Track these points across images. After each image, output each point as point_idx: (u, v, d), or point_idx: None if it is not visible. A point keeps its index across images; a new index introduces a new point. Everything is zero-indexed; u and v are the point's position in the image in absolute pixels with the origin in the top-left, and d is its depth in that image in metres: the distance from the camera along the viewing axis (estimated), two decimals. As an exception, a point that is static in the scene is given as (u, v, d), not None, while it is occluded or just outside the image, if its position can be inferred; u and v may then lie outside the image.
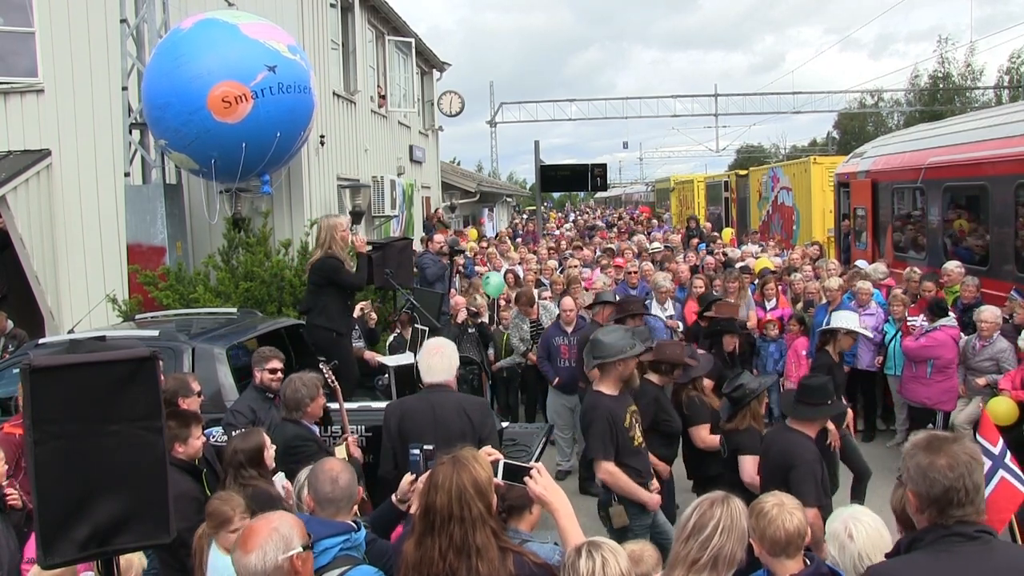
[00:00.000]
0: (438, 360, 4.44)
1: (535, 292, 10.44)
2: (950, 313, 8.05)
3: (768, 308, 9.70)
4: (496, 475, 2.97)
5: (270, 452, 4.32)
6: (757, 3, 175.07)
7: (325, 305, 7.01)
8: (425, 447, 3.57)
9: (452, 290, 10.65)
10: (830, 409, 4.89)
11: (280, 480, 4.43)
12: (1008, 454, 4.48)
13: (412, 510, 3.54)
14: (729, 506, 2.92)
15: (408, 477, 3.59)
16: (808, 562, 3.09)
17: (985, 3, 78.73)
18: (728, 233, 19.05)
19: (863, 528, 3.11)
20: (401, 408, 4.48)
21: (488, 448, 3.20)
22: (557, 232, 23.46)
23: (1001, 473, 4.34)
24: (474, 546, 2.75)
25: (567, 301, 8.45)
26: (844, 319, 6.76)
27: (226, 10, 9.63)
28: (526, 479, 3.01)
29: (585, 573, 2.61)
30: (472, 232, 21.91)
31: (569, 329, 8.36)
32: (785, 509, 3.09)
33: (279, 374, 5.54)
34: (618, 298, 8.09)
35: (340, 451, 5.09)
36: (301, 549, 2.48)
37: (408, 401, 4.67)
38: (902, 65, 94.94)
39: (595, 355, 4.93)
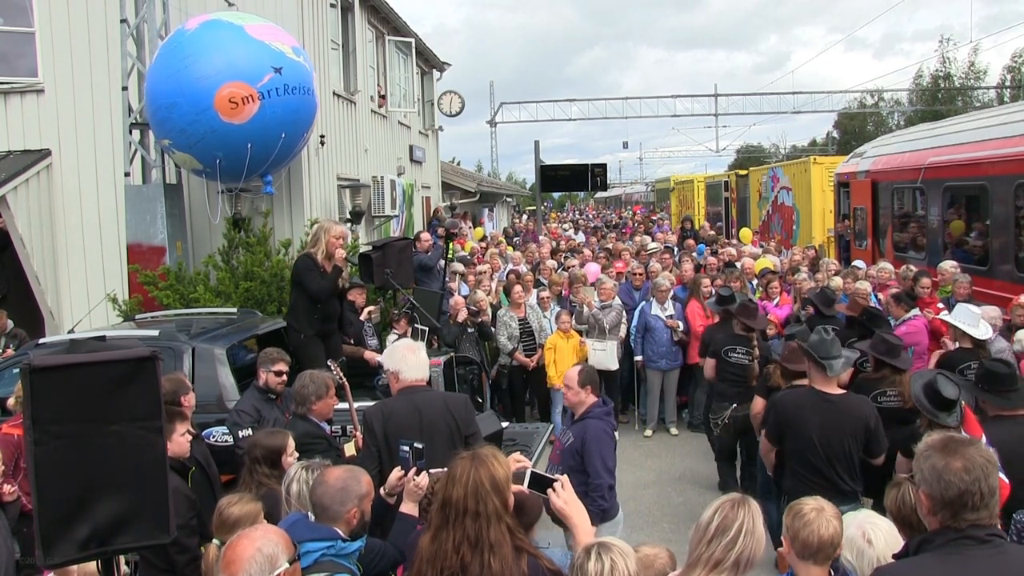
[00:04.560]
0: (413, 358, 4.38)
1: (534, 292, 10.46)
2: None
3: (773, 306, 9.69)
4: (523, 483, 3.02)
5: (290, 459, 4.24)
6: (764, 1, 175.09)
7: (295, 304, 6.91)
8: (415, 445, 3.61)
9: (450, 283, 10.66)
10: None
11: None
12: (992, 447, 4.54)
13: (404, 508, 3.56)
14: (749, 508, 2.92)
15: (397, 472, 3.63)
16: (833, 572, 3.06)
17: (992, 2, 78.61)
18: (748, 233, 18.59)
19: (881, 533, 3.08)
20: (385, 412, 4.32)
21: (517, 455, 3.25)
22: (554, 227, 23.56)
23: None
24: (487, 541, 2.77)
25: (570, 375, 5.09)
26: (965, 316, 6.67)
27: (231, 12, 9.66)
28: (549, 491, 3.06)
29: (593, 574, 2.62)
30: (478, 231, 21.88)
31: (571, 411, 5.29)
32: (824, 515, 3.04)
33: (284, 377, 5.54)
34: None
35: (349, 448, 5.10)
36: (287, 565, 2.43)
37: (391, 403, 4.47)
38: (907, 64, 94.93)
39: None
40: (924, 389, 4.91)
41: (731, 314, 7.39)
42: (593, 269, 11.82)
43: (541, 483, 3.07)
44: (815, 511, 3.05)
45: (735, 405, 7.03)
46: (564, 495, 3.04)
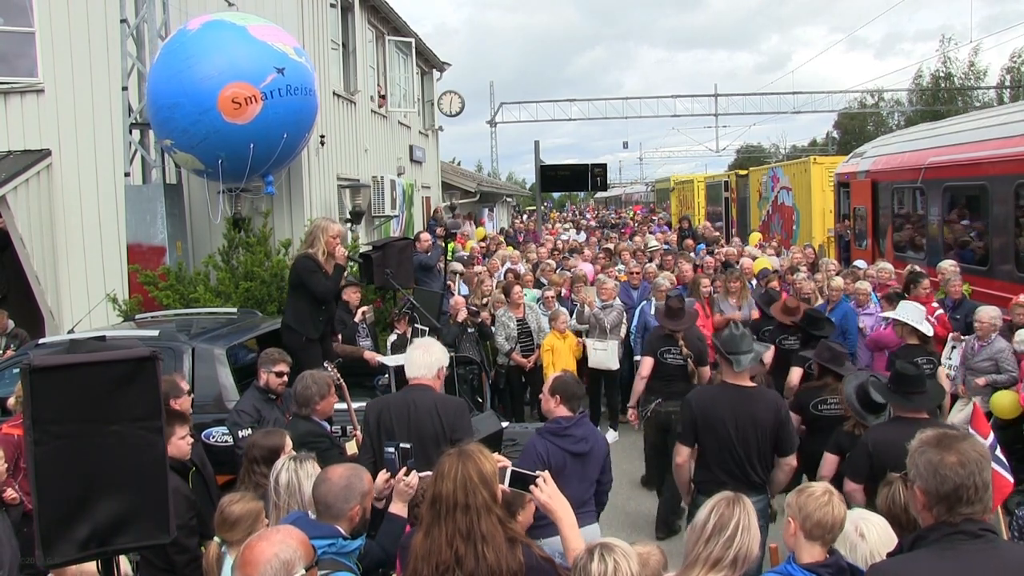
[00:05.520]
0: (419, 355, 4.51)
1: (534, 291, 10.45)
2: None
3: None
4: (503, 482, 3.02)
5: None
6: (765, 1, 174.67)
7: (296, 306, 6.76)
8: (402, 445, 3.61)
9: (450, 283, 10.68)
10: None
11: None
12: (998, 446, 4.58)
13: (393, 509, 3.56)
14: (745, 506, 2.96)
15: (383, 475, 3.62)
16: (828, 555, 3.10)
17: (993, 2, 78.55)
18: (756, 237, 18.39)
19: (873, 528, 3.11)
20: (380, 405, 4.54)
21: (497, 456, 3.24)
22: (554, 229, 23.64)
23: (992, 464, 4.41)
24: (479, 533, 2.79)
25: (549, 380, 4.89)
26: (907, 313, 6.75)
27: (234, 12, 9.67)
28: (532, 487, 3.07)
29: (597, 575, 2.62)
30: (479, 231, 21.89)
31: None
32: (835, 497, 3.09)
33: (285, 378, 5.53)
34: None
35: (351, 446, 5.12)
36: (304, 571, 2.41)
37: (389, 398, 4.75)
38: (908, 64, 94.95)
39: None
40: (856, 391, 5.02)
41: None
42: (587, 269, 11.80)
43: (523, 481, 3.08)
44: (827, 493, 3.09)
45: (659, 400, 7.07)
46: (548, 489, 3.06)
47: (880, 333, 7.93)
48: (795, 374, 6.99)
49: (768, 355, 7.66)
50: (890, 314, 7.02)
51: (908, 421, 4.48)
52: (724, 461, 4.83)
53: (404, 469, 3.56)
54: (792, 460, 4.92)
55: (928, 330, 6.64)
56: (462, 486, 2.83)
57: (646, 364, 7.31)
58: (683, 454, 5.03)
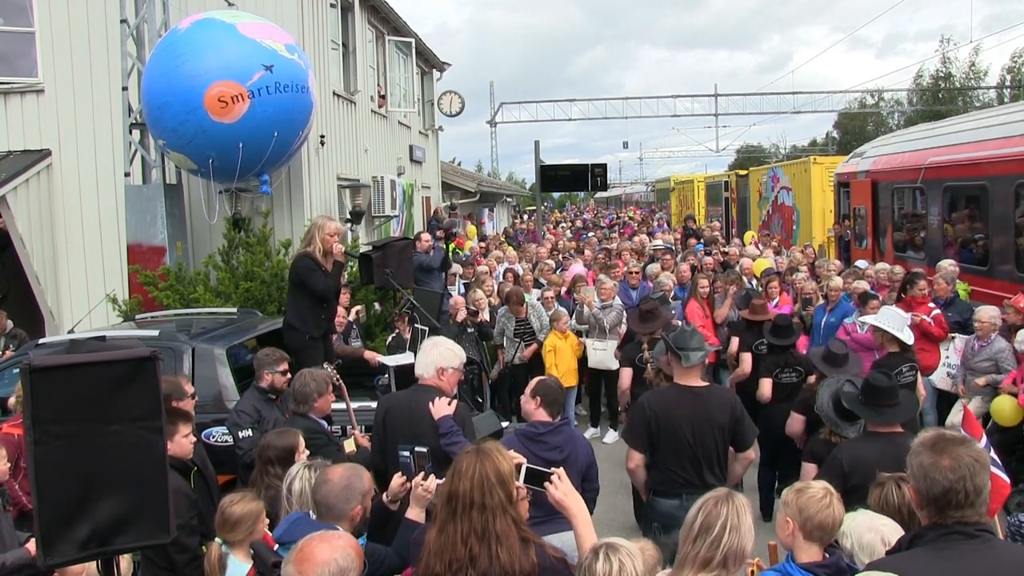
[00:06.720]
0: (421, 356, 4.58)
1: (535, 291, 10.44)
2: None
3: (772, 306, 9.67)
4: (518, 478, 3.01)
5: (302, 457, 4.21)
6: (766, 1, 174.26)
7: (297, 305, 6.77)
8: (417, 449, 3.59)
9: (451, 276, 10.66)
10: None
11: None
12: (992, 448, 4.53)
13: (410, 514, 3.55)
14: (734, 503, 2.93)
15: (398, 478, 3.61)
16: (828, 555, 3.09)
17: (994, 1, 78.54)
18: (750, 236, 18.41)
19: (895, 535, 3.07)
20: (388, 403, 4.63)
21: (512, 452, 3.24)
22: (555, 229, 23.66)
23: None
24: (494, 533, 2.79)
25: (532, 381, 4.71)
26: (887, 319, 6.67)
27: (225, 10, 9.65)
28: (546, 484, 3.07)
29: (602, 575, 2.61)
30: (471, 229, 21.89)
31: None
32: (835, 498, 3.07)
33: (288, 376, 5.53)
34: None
35: (349, 444, 5.12)
36: None
37: (396, 396, 4.90)
38: (909, 64, 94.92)
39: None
40: (831, 399, 4.91)
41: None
42: (578, 269, 11.74)
43: (537, 477, 3.08)
44: (827, 494, 3.08)
45: None
46: (563, 487, 3.06)
47: (860, 336, 7.88)
48: (764, 386, 6.91)
49: (747, 363, 7.62)
50: (870, 319, 6.92)
51: (881, 436, 4.35)
52: (681, 464, 4.68)
53: (423, 473, 3.54)
54: (750, 454, 4.87)
55: (908, 338, 6.48)
56: (479, 485, 2.83)
57: (625, 376, 7.16)
58: (635, 459, 4.81)
